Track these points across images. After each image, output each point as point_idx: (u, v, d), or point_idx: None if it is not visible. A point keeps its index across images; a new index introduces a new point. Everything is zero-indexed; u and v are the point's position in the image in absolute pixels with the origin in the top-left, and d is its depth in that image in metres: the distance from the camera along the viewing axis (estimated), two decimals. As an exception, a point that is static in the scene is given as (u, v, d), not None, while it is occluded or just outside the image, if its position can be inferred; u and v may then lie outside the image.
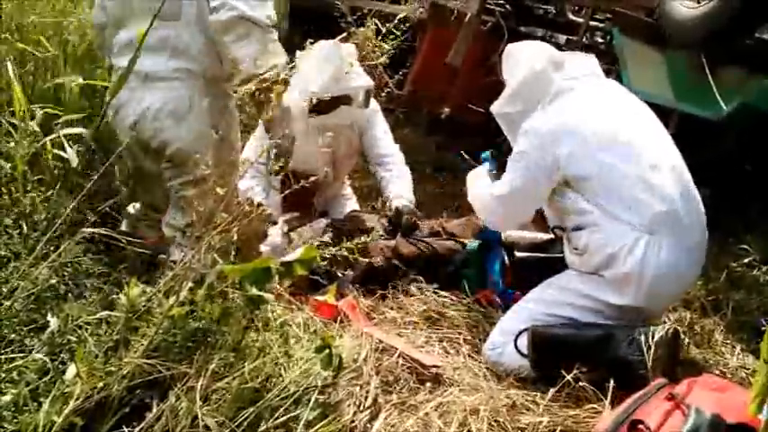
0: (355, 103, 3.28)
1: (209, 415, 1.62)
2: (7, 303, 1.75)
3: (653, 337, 2.27)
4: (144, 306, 1.74)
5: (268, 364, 1.77)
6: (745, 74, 3.18)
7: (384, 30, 4.35)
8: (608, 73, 3.11)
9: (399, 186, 3.47)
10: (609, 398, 2.08)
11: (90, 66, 2.90)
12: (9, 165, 2.15)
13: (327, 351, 1.85)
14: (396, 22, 4.29)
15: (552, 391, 2.14)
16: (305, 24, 5.04)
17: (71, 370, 1.54)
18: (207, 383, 1.66)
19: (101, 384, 1.56)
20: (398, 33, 4.26)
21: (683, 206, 2.41)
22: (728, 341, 2.74)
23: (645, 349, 2.25)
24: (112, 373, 1.61)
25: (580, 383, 2.16)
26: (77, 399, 1.50)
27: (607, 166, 2.43)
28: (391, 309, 2.79)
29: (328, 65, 3.14)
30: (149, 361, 1.64)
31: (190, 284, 1.76)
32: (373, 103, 3.49)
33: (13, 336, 1.71)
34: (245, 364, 1.75)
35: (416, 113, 5.03)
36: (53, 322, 1.58)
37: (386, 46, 4.33)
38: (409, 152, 3.85)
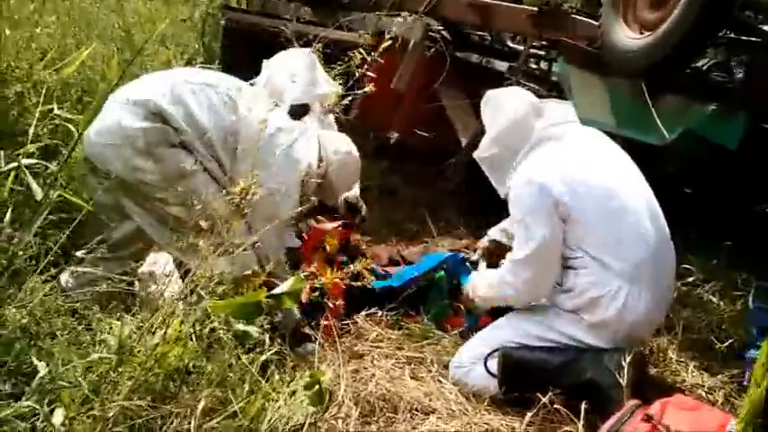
0: (323, 110, 3.29)
1: (203, 456, 1.58)
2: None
3: (622, 360, 2.33)
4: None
5: (258, 400, 1.73)
6: (685, 101, 3.32)
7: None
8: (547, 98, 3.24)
9: None
10: (582, 420, 2.13)
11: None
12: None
13: (317, 387, 1.84)
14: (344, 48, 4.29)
15: (529, 415, 2.17)
16: (250, 49, 5.00)
17: (58, 416, 1.47)
18: (198, 423, 1.62)
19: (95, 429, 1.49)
20: (345, 60, 4.26)
21: (662, 253, 2.55)
22: (682, 359, 2.85)
23: (615, 372, 2.31)
24: (100, 418, 1.54)
25: (554, 406, 2.20)
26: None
27: (595, 213, 2.51)
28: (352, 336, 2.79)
29: (304, 72, 3.15)
30: (138, 402, 1.58)
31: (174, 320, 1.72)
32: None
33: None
34: (234, 401, 1.71)
35: (362, 138, 5.05)
36: (41, 367, 1.50)
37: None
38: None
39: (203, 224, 1.99)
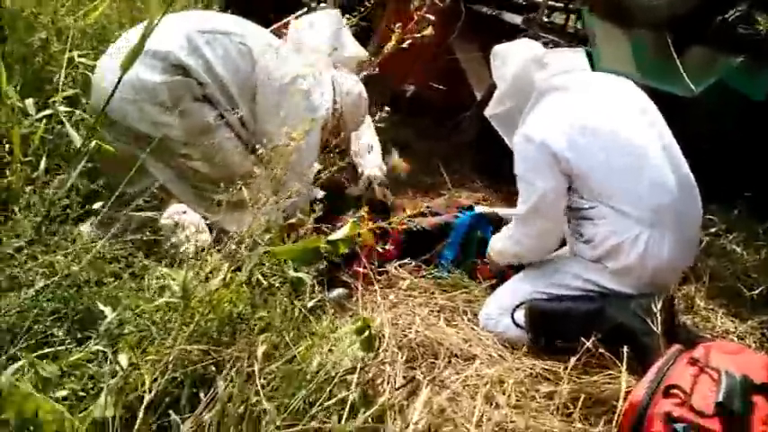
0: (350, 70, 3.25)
1: (265, 398, 1.57)
2: (30, 292, 1.64)
3: (651, 306, 2.34)
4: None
5: (315, 345, 1.72)
6: (711, 54, 3.30)
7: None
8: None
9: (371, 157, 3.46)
10: (624, 364, 2.14)
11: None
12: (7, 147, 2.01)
13: (367, 333, 1.83)
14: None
15: (573, 359, 2.17)
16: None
17: (123, 359, 1.46)
18: (259, 367, 1.61)
19: (155, 374, 1.49)
20: (360, 10, 4.19)
21: (682, 198, 2.48)
22: (711, 306, 2.87)
23: (645, 318, 2.32)
24: (161, 362, 1.53)
25: (599, 351, 2.21)
26: (135, 389, 1.43)
27: (606, 162, 2.45)
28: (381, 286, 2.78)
29: (331, 36, 3.10)
30: (200, 347, 1.57)
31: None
32: None
33: (36, 327, 1.61)
34: (293, 346, 1.71)
35: (375, 91, 5.00)
36: (108, 311, 1.49)
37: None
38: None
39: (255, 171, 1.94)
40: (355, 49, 3.28)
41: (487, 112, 2.92)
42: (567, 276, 2.57)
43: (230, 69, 2.61)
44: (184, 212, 2.61)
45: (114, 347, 1.50)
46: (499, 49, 2.90)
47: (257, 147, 2.36)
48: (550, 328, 2.49)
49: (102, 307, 1.50)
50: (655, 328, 2.26)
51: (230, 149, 2.64)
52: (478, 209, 3.24)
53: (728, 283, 3.02)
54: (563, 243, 2.74)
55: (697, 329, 2.69)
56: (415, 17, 2.22)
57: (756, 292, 2.87)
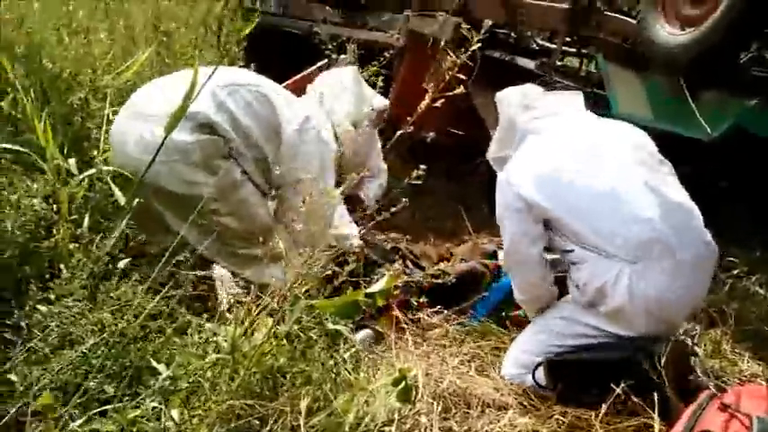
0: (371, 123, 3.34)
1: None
2: (82, 349, 1.70)
3: (665, 353, 2.34)
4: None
5: (357, 397, 1.77)
6: (726, 96, 3.36)
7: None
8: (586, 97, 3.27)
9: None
10: (657, 410, 2.16)
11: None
12: (53, 207, 2.08)
13: (404, 383, 1.87)
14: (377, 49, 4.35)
15: (604, 407, 2.19)
16: (288, 50, 5.05)
17: (175, 414, 1.51)
18: (303, 420, 1.66)
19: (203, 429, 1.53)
20: (380, 60, 4.30)
21: (666, 226, 2.38)
22: (737, 350, 2.88)
23: (659, 365, 2.31)
24: (210, 416, 1.58)
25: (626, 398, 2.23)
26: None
27: (576, 205, 2.46)
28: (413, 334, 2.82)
29: (350, 92, 3.20)
30: (246, 401, 1.62)
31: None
32: None
33: (88, 384, 1.66)
34: (333, 399, 1.75)
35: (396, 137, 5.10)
36: (162, 368, 1.54)
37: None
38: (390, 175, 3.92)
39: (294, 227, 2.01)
40: (378, 103, 3.36)
41: (488, 155, 2.99)
42: (572, 324, 2.56)
43: (253, 117, 2.69)
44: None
45: (166, 403, 1.55)
46: (498, 95, 2.98)
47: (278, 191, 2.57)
48: (571, 383, 2.46)
49: (155, 364, 1.56)
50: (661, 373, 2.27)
51: (255, 203, 2.72)
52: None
53: (754, 326, 3.03)
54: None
55: (722, 374, 2.69)
56: (447, 77, 2.28)
57: (780, 332, 2.89)
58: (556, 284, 2.71)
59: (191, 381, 1.57)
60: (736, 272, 3.37)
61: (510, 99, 2.88)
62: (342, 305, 1.71)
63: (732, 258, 3.43)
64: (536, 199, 2.49)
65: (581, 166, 2.51)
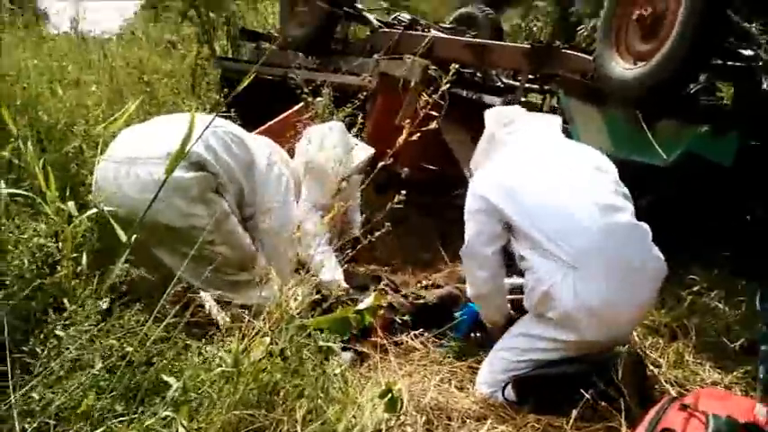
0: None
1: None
2: (93, 372, 1.84)
3: (620, 364, 2.53)
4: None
5: (347, 409, 1.92)
6: (679, 125, 3.61)
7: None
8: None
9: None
10: (623, 415, 2.35)
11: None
12: (55, 245, 2.24)
13: (391, 395, 2.03)
14: (351, 92, 4.58)
15: (575, 412, 2.37)
16: (265, 95, 5.25)
17: (184, 423, 1.65)
18: (300, 428, 1.81)
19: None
20: (353, 102, 4.52)
21: (605, 240, 2.56)
22: (699, 361, 3.07)
23: (615, 376, 2.50)
24: (215, 426, 1.73)
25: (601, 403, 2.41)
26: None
27: (531, 211, 2.65)
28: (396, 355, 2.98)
29: (340, 149, 3.60)
30: (246, 411, 1.77)
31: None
32: None
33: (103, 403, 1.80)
34: (325, 410, 1.90)
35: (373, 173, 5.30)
36: (173, 381, 1.69)
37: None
38: (368, 208, 4.15)
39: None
40: (363, 154, 3.65)
41: (471, 164, 3.28)
42: (530, 340, 2.71)
43: (231, 155, 2.99)
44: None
45: (176, 413, 1.70)
46: (486, 112, 3.26)
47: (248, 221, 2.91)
48: (540, 399, 2.61)
49: (165, 378, 1.71)
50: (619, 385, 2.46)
51: (241, 233, 3.00)
52: None
53: (713, 338, 3.23)
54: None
55: (685, 382, 2.87)
56: (421, 114, 2.50)
57: (739, 343, 3.08)
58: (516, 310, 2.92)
59: (199, 392, 1.73)
60: (696, 288, 3.56)
61: (491, 116, 3.17)
62: (333, 322, 1.88)
63: (693, 276, 3.65)
64: (496, 203, 2.72)
65: (539, 178, 2.75)
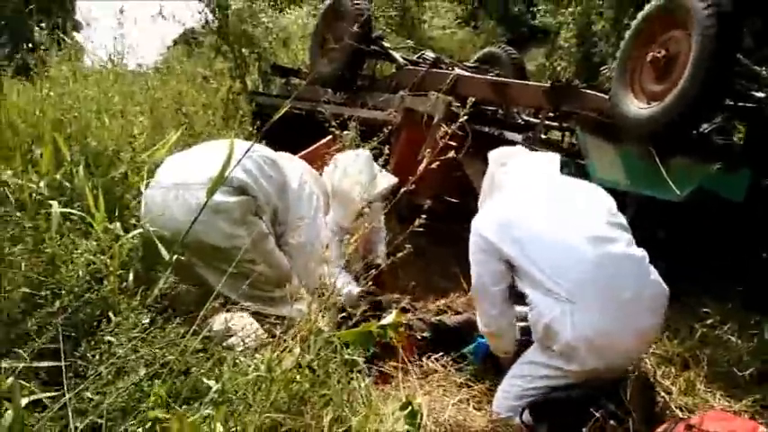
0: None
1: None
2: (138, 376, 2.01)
3: (629, 387, 2.67)
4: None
5: (371, 419, 2.07)
6: (693, 162, 3.75)
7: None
8: (565, 165, 3.66)
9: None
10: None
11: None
12: (103, 262, 2.42)
13: (411, 409, 2.17)
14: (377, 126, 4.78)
15: (585, 430, 2.49)
16: (293, 127, 5.48)
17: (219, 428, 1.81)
18: (326, 433, 1.96)
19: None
20: (379, 135, 4.71)
21: (597, 271, 2.66)
22: (710, 389, 3.17)
23: (624, 400, 2.63)
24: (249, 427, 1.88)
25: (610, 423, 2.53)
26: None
27: (529, 248, 2.76)
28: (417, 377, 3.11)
29: (364, 175, 3.79)
30: (277, 414, 1.93)
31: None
32: None
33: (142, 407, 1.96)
34: (351, 419, 2.05)
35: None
36: (212, 383, 1.86)
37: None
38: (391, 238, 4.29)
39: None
40: (386, 182, 3.83)
41: (479, 205, 3.40)
42: (538, 367, 2.83)
43: (267, 178, 3.22)
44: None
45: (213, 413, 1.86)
46: (489, 154, 3.47)
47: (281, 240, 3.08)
48: (556, 423, 2.72)
49: (206, 381, 1.88)
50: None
51: (278, 253, 3.22)
52: None
53: (724, 368, 3.33)
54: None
55: (695, 409, 2.97)
56: (440, 144, 2.67)
57: (748, 372, 3.18)
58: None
59: (236, 394, 1.88)
60: (709, 321, 3.67)
61: (492, 156, 3.37)
62: (359, 335, 2.04)
63: (706, 309, 3.76)
64: (494, 241, 2.85)
65: (533, 214, 2.88)
